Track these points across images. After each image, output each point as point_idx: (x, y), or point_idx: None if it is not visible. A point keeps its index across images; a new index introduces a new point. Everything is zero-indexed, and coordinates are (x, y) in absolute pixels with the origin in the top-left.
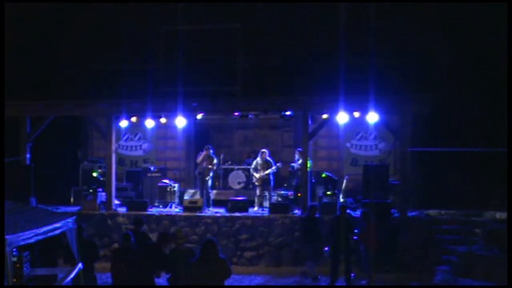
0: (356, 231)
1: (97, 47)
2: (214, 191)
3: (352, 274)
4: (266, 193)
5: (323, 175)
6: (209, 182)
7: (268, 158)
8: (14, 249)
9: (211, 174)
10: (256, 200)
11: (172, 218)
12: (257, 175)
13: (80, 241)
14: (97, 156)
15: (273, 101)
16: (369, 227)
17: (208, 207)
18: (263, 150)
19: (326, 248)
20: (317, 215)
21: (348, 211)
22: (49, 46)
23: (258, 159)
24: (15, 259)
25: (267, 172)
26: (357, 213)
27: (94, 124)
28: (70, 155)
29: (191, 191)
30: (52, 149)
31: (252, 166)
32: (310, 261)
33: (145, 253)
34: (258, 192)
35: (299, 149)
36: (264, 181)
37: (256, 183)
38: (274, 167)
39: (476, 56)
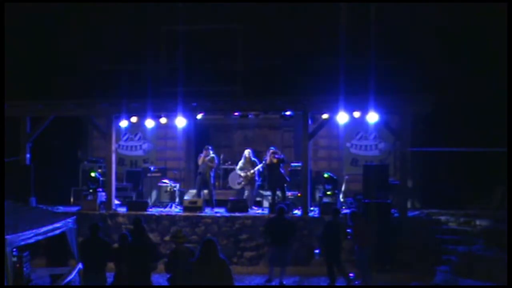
0: (348, 230)
1: (97, 47)
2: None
3: (351, 274)
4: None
5: (326, 175)
6: (212, 182)
7: (253, 158)
8: (14, 249)
9: (212, 174)
10: (249, 201)
11: (172, 218)
12: (243, 174)
13: (95, 240)
14: (97, 156)
15: (273, 101)
16: (358, 227)
17: (212, 207)
18: (247, 150)
19: (316, 251)
20: (285, 217)
21: (342, 213)
22: (49, 46)
23: (242, 160)
24: (15, 259)
25: (252, 171)
26: None
27: (94, 124)
28: (70, 155)
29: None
30: (52, 149)
31: (238, 166)
32: (271, 263)
33: (139, 250)
34: (246, 193)
35: (272, 147)
36: (250, 180)
37: (243, 183)
38: (259, 166)
39: (476, 56)
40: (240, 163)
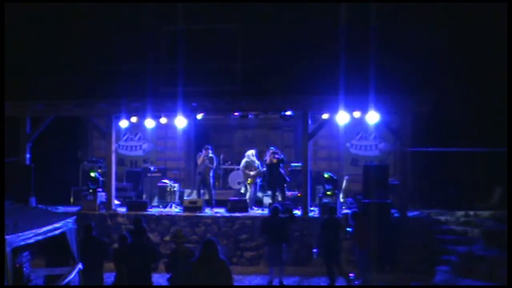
0: (349, 230)
1: (97, 47)
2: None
3: (351, 274)
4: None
5: (326, 175)
6: (211, 182)
7: (256, 160)
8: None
9: (211, 174)
10: (249, 201)
11: (172, 218)
12: (251, 173)
13: (89, 240)
14: (97, 156)
15: (273, 101)
16: (359, 227)
17: (212, 207)
18: (252, 150)
19: (314, 250)
20: (280, 216)
21: (342, 213)
22: (49, 46)
23: (249, 159)
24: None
25: (257, 172)
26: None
27: (94, 124)
28: (70, 155)
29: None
30: (52, 149)
31: (242, 165)
32: (269, 263)
33: (139, 250)
34: (250, 191)
35: (272, 147)
36: (254, 180)
37: (248, 182)
38: (262, 169)
39: (476, 56)
40: (245, 163)
